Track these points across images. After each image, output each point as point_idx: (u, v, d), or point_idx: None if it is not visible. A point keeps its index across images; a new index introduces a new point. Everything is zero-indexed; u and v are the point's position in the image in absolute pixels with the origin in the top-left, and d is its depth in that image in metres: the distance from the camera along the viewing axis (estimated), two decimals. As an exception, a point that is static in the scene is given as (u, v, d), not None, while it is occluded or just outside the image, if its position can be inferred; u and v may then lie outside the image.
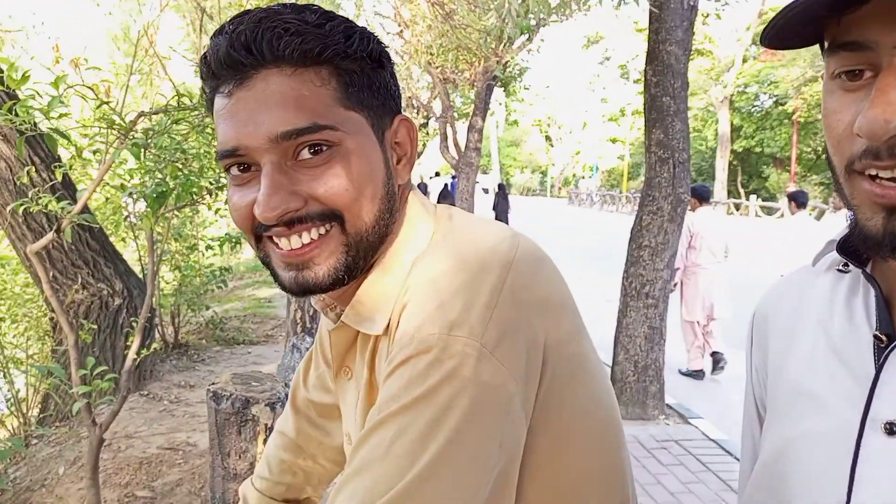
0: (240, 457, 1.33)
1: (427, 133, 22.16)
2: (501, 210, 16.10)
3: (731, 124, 26.30)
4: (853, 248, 0.63)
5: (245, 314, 8.07)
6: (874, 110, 0.52)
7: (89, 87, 2.24)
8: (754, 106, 27.57)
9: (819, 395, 0.64)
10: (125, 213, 3.26)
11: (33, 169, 4.40)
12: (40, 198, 2.50)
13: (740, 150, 27.82)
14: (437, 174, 22.92)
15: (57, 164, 2.74)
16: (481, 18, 5.88)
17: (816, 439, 0.63)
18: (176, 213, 3.91)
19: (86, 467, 3.16)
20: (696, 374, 6.14)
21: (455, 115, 13.61)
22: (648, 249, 4.83)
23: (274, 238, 0.71)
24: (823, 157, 26.96)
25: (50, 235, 2.56)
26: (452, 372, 0.61)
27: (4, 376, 4.69)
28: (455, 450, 0.60)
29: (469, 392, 0.61)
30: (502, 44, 8.91)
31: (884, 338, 0.60)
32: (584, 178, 43.14)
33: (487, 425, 0.62)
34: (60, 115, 1.99)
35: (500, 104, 20.53)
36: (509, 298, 0.66)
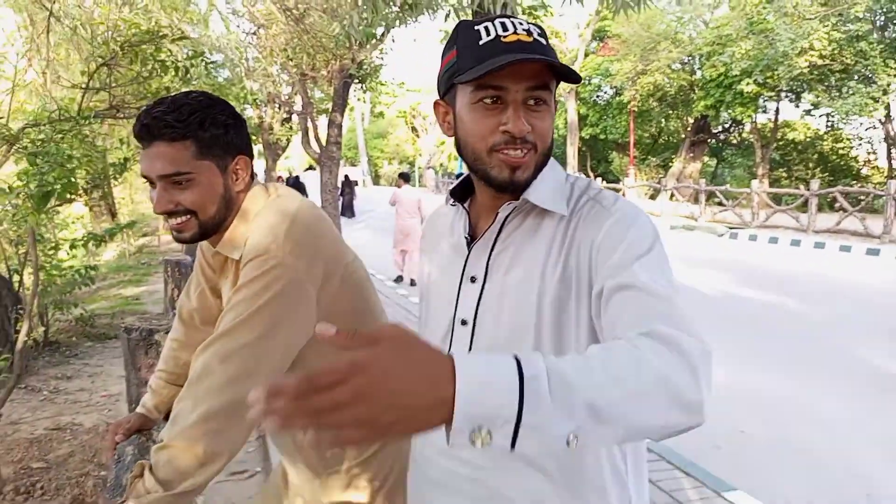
0: (148, 370, 1.94)
1: (290, 128, 22.28)
2: (347, 196, 22.66)
3: (578, 113, 28.31)
4: (457, 194, 1.25)
5: (114, 311, 8.21)
6: (519, 122, 1.04)
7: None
8: (597, 96, 29.87)
9: (444, 266, 1.25)
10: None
11: None
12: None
13: (587, 136, 30.01)
14: (311, 167, 23.99)
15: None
16: (330, 25, 6.43)
17: (442, 288, 1.23)
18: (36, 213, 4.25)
19: (-16, 440, 3.51)
20: (398, 280, 10.26)
21: (315, 111, 14.01)
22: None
23: (168, 219, 1.40)
24: (660, 141, 29.06)
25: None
26: (271, 268, 1.33)
27: None
28: (271, 303, 1.31)
29: (281, 276, 1.32)
30: (354, 45, 9.48)
31: (468, 237, 1.19)
32: (448, 168, 44.47)
33: (290, 293, 1.33)
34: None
35: (360, 100, 21.00)
36: (299, 229, 1.38)
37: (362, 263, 1.57)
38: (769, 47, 20.39)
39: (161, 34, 3.24)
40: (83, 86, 2.87)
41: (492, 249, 1.14)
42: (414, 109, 50.87)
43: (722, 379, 5.03)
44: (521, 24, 1.07)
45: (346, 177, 19.85)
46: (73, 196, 3.27)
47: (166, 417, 1.69)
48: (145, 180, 1.39)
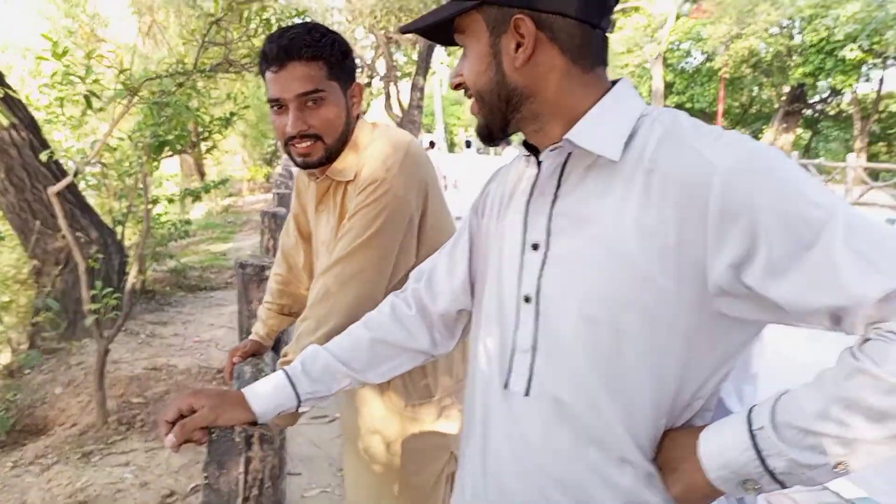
0: (258, 301, 2.04)
1: (371, 92, 22.49)
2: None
3: (665, 81, 27.38)
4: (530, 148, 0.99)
5: (203, 266, 8.61)
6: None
7: (106, 59, 2.81)
8: (686, 62, 28.73)
9: (506, 231, 1.00)
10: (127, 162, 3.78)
11: (14, 129, 4.88)
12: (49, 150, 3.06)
13: (673, 105, 28.99)
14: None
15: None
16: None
17: (503, 257, 0.99)
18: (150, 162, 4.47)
19: (93, 373, 3.79)
20: None
21: (398, 74, 14.09)
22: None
23: (293, 143, 1.43)
24: (750, 111, 27.79)
25: (68, 178, 3.11)
26: (385, 193, 1.38)
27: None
28: (385, 228, 1.36)
29: (392, 203, 1.38)
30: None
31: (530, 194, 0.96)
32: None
33: (400, 220, 1.38)
34: (95, 80, 2.58)
35: (443, 64, 20.90)
36: (410, 162, 1.42)
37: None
38: (879, 9, 19.00)
39: (265, -7, 3.33)
40: (198, 42, 2.99)
41: (552, 208, 0.92)
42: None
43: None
44: None
45: (431, 142, 19.74)
46: (182, 147, 3.43)
47: (275, 346, 1.79)
48: (273, 104, 1.43)
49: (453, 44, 1.00)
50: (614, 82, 0.93)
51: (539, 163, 0.95)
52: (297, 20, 4.34)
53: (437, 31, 0.96)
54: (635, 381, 0.85)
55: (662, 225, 0.80)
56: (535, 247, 0.93)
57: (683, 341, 0.83)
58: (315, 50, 1.38)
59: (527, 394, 0.92)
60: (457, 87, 0.98)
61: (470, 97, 0.96)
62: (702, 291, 0.80)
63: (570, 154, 0.91)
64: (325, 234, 1.58)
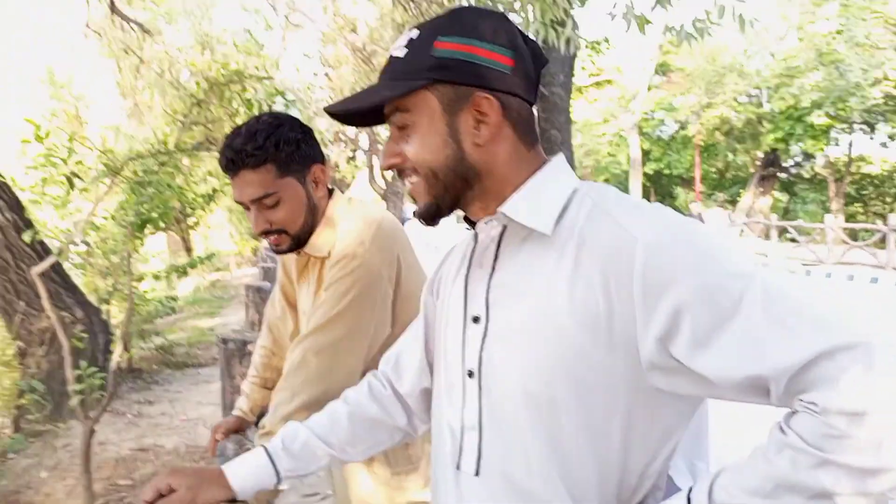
0: (242, 377, 2.06)
1: (356, 165, 22.90)
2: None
3: (642, 148, 28.10)
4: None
5: (190, 342, 8.54)
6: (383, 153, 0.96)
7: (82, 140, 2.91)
8: (660, 131, 29.61)
9: (452, 305, 1.01)
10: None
11: None
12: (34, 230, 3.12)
13: (651, 172, 29.69)
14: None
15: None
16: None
17: (449, 331, 0.99)
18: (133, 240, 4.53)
19: (79, 456, 3.72)
20: None
21: (380, 147, 14.40)
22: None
23: (264, 238, 1.53)
24: (727, 175, 28.44)
25: (52, 258, 3.16)
26: (357, 266, 1.45)
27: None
28: (358, 301, 1.42)
29: (365, 276, 1.44)
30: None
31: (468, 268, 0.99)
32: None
33: (373, 292, 1.44)
34: (77, 162, 2.67)
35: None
36: (382, 235, 1.49)
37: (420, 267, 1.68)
38: (840, 78, 19.91)
39: (248, 74, 3.47)
40: (180, 122, 3.11)
41: (490, 279, 0.93)
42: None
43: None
44: (400, 38, 0.94)
45: (415, 212, 20.26)
46: (165, 225, 3.50)
47: (257, 421, 1.80)
48: (240, 205, 1.53)
49: (376, 123, 0.97)
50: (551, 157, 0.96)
51: (476, 235, 0.98)
52: (279, 99, 4.52)
53: (364, 112, 0.94)
54: (580, 458, 0.84)
55: (593, 297, 0.81)
56: (476, 319, 0.93)
57: (622, 418, 0.83)
58: (259, 157, 1.44)
59: (476, 473, 0.91)
60: (391, 167, 0.95)
61: (405, 177, 0.95)
62: (636, 366, 0.81)
63: (505, 227, 0.93)
64: (305, 305, 1.64)
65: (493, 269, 0.93)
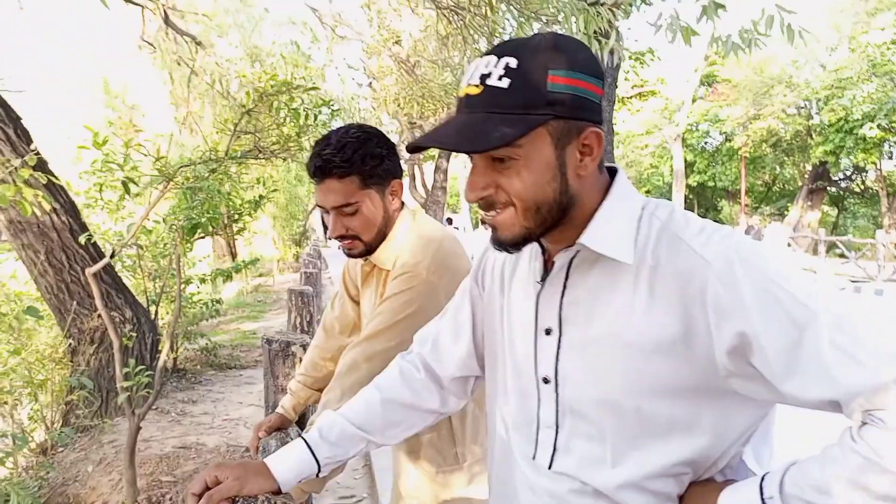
0: (284, 377, 2.11)
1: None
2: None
3: (685, 160, 27.68)
4: None
5: (234, 344, 8.73)
6: (467, 186, 0.94)
7: (140, 147, 3.03)
8: (705, 142, 29.12)
9: (514, 313, 1.09)
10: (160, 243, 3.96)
11: (55, 213, 5.15)
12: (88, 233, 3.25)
13: (695, 184, 29.21)
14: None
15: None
16: (441, 74, 6.80)
17: (515, 338, 1.07)
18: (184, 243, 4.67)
19: (124, 451, 3.83)
20: None
21: (422, 157, 14.50)
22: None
23: (338, 239, 1.60)
24: (774, 188, 27.81)
25: (105, 260, 3.28)
26: (416, 285, 1.50)
27: (29, 395, 5.31)
28: (413, 316, 1.46)
29: (423, 293, 1.48)
30: (463, 94, 9.79)
31: (540, 282, 1.02)
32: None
33: (429, 308, 1.47)
34: (132, 168, 2.78)
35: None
36: (442, 254, 1.54)
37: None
38: (894, 90, 19.30)
39: (295, 85, 3.57)
40: (231, 130, 3.22)
41: (562, 297, 0.98)
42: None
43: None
44: (486, 63, 0.89)
45: (449, 219, 20.50)
46: (214, 229, 3.61)
47: (299, 420, 1.86)
48: (320, 208, 1.61)
49: (474, 152, 0.92)
50: (609, 169, 0.99)
51: (544, 255, 1.03)
52: (325, 109, 4.61)
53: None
54: (660, 460, 0.93)
55: (670, 319, 0.87)
56: (548, 332, 1.00)
57: (708, 418, 0.91)
58: (345, 169, 1.52)
59: (550, 467, 1.01)
60: (481, 200, 0.93)
61: (494, 208, 0.93)
62: (714, 376, 0.88)
63: (577, 251, 0.96)
64: (367, 308, 1.73)
65: (565, 286, 0.98)
